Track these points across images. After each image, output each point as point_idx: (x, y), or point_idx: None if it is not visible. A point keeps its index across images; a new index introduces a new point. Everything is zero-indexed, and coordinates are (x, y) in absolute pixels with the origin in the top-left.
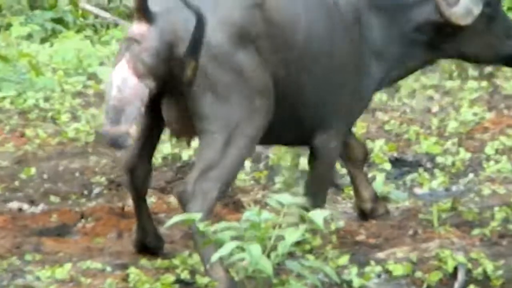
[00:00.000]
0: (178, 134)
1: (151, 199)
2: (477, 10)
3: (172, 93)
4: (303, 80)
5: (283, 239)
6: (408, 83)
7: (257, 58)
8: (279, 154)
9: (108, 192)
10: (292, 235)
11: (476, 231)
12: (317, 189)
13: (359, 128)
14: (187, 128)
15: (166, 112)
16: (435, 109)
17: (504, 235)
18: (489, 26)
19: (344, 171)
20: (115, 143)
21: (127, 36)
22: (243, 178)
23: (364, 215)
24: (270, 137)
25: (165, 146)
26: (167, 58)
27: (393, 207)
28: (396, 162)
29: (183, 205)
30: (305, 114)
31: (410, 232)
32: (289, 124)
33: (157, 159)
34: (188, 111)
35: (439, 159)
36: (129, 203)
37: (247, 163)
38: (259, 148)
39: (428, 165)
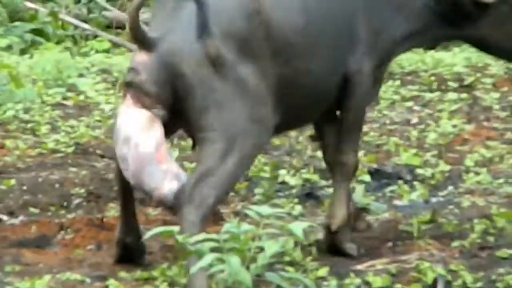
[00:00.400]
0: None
1: None
2: None
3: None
4: (314, 62)
5: (263, 250)
6: (387, 94)
7: (258, 65)
8: (258, 165)
9: (88, 203)
10: (272, 247)
11: (455, 243)
12: (353, 128)
13: None
14: None
15: (184, 128)
16: (414, 120)
17: (484, 247)
18: (511, 18)
19: (323, 183)
20: (165, 207)
21: (129, 67)
22: None
23: None
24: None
25: None
26: (171, 82)
27: (372, 219)
28: (375, 174)
29: (178, 207)
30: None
31: (390, 244)
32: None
33: None
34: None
35: (419, 171)
36: (108, 215)
37: None
38: None
39: (408, 177)
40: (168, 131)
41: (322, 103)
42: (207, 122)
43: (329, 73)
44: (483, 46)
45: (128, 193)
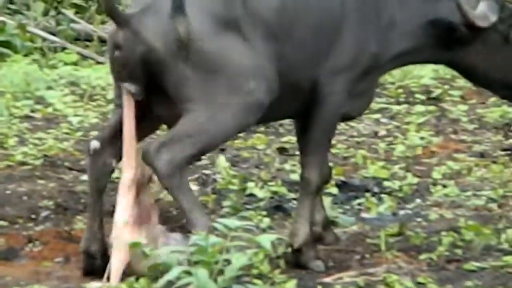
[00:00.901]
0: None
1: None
2: (492, 17)
3: (157, 91)
4: (296, 44)
5: (231, 263)
6: None
7: (240, 39)
8: (227, 178)
9: (56, 216)
10: (240, 260)
11: (423, 256)
12: (320, 141)
13: None
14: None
15: (156, 108)
16: (382, 133)
17: (451, 260)
18: (501, 47)
19: (291, 195)
20: None
21: (115, 43)
22: None
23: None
24: (279, 109)
25: None
26: (146, 58)
27: (340, 231)
28: (343, 186)
29: (148, 164)
30: (304, 74)
31: (358, 256)
32: (295, 88)
33: None
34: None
35: (387, 184)
36: (76, 227)
37: (194, 187)
38: (206, 172)
39: (376, 189)
40: (149, 114)
41: (295, 97)
42: (187, 94)
43: (303, 65)
44: (471, 74)
45: (99, 204)
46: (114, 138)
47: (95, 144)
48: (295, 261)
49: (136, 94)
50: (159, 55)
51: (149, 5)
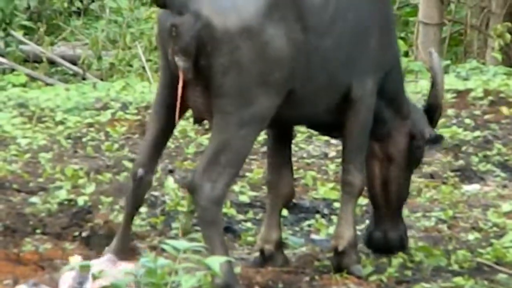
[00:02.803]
0: (202, 117)
1: (46, 245)
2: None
3: (199, 75)
4: (328, 42)
5: (180, 285)
6: (304, 128)
7: (283, 28)
8: (175, 199)
9: (4, 238)
10: (189, 281)
11: (373, 277)
12: (358, 147)
13: (256, 173)
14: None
15: (191, 95)
16: (332, 154)
17: (401, 281)
18: (406, 163)
19: (240, 217)
20: None
21: (165, 24)
22: (139, 224)
23: (262, 257)
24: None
25: (61, 193)
26: (200, 38)
27: (290, 253)
28: (293, 208)
29: (191, 195)
30: (338, 71)
31: (307, 278)
32: (326, 86)
33: (52, 204)
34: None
35: (336, 205)
36: (25, 249)
37: (143, 209)
38: (155, 193)
39: (325, 210)
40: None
41: (329, 96)
42: (225, 87)
43: (339, 64)
44: (382, 162)
45: (131, 219)
46: (153, 158)
47: (141, 172)
48: (336, 264)
49: (186, 69)
50: (216, 36)
51: None
